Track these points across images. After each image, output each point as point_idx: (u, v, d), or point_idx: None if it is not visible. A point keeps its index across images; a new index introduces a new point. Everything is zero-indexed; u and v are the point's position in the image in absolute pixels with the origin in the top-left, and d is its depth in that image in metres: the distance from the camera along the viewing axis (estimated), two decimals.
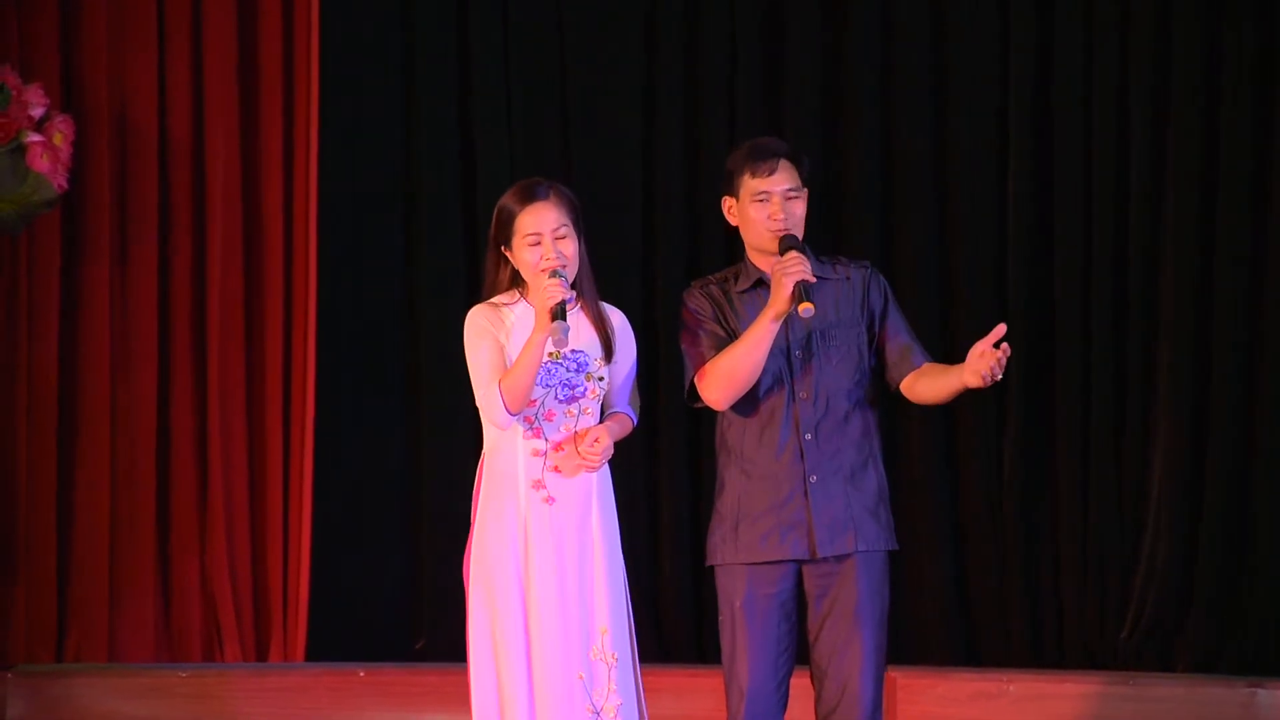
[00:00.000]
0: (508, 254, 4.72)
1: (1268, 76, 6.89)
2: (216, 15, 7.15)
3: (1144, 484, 6.97)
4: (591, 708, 4.65)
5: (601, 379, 4.73)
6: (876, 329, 4.84)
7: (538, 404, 4.66)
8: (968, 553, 7.12)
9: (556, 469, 4.68)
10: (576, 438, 4.69)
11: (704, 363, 4.77)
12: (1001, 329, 4.57)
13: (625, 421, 4.80)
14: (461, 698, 4.73)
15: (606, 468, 4.74)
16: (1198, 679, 6.70)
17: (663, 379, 6.91)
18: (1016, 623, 7.05)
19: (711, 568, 4.86)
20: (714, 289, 4.87)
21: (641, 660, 4.77)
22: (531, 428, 4.68)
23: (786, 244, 4.71)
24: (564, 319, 4.54)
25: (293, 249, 7.20)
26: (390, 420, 7.28)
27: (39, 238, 7.03)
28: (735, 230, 4.88)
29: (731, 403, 4.77)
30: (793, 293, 4.60)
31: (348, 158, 7.25)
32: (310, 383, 7.13)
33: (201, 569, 7.13)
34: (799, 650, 4.82)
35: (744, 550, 4.78)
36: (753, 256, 4.83)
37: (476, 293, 4.86)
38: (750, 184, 4.79)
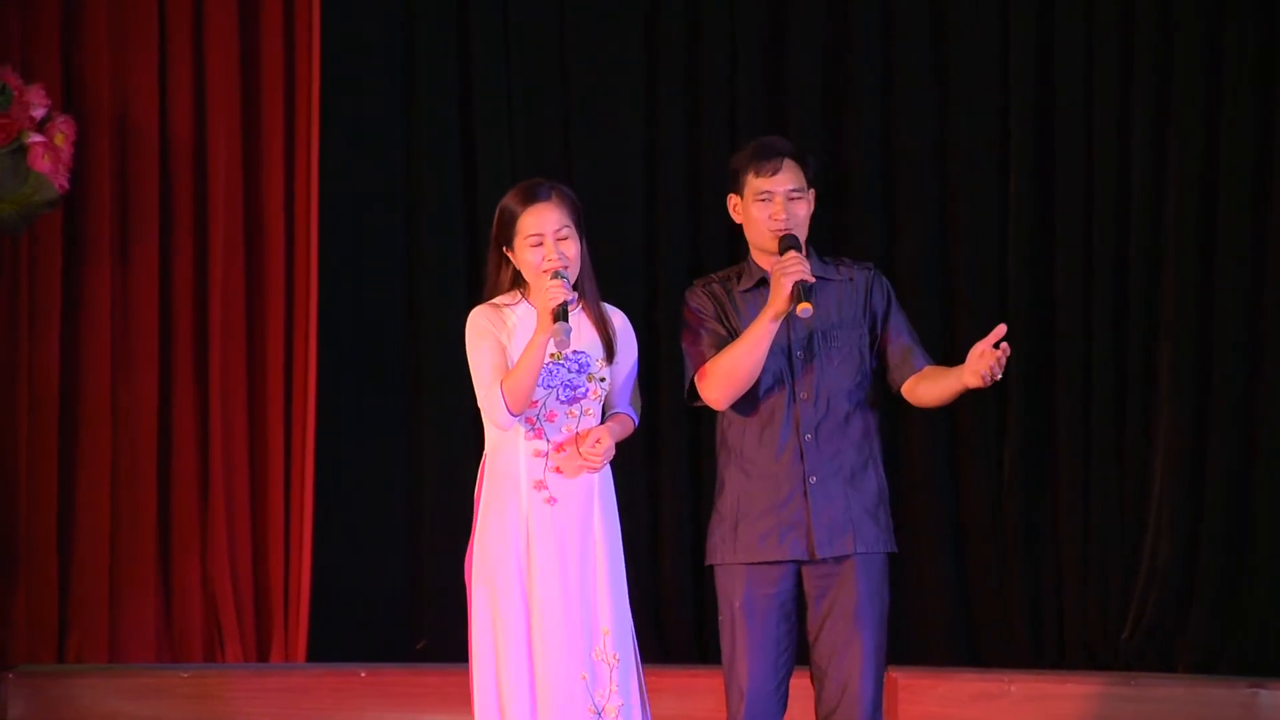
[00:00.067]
0: (509, 254, 4.72)
1: (1268, 76, 6.90)
2: (218, 16, 7.15)
3: (1145, 484, 6.98)
4: (593, 708, 4.65)
5: (603, 380, 4.73)
6: (878, 331, 4.83)
7: (539, 405, 4.66)
8: (969, 553, 7.12)
9: (558, 469, 4.68)
10: (578, 438, 4.69)
11: (704, 362, 4.77)
12: (1001, 329, 4.57)
13: (626, 422, 4.80)
14: (463, 698, 4.73)
15: (608, 468, 4.74)
16: (1199, 679, 6.70)
17: (664, 379, 6.91)
18: (1018, 623, 7.06)
19: (711, 567, 4.87)
20: (716, 288, 4.87)
21: (642, 661, 4.77)
22: (533, 428, 4.68)
23: (786, 244, 4.71)
24: (566, 320, 4.54)
25: (294, 249, 7.20)
26: (391, 420, 7.28)
27: (40, 238, 7.03)
28: (737, 230, 4.88)
29: (731, 402, 4.77)
30: (791, 292, 4.60)
31: (349, 158, 7.25)
32: (311, 383, 7.13)
33: (203, 569, 7.13)
34: (799, 650, 4.83)
35: (743, 550, 4.78)
36: (755, 256, 4.83)
37: (477, 293, 4.85)
38: (754, 183, 4.79)
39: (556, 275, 4.59)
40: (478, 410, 4.71)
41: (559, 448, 4.69)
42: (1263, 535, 6.86)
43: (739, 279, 4.87)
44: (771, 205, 4.77)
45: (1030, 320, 7.04)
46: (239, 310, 7.16)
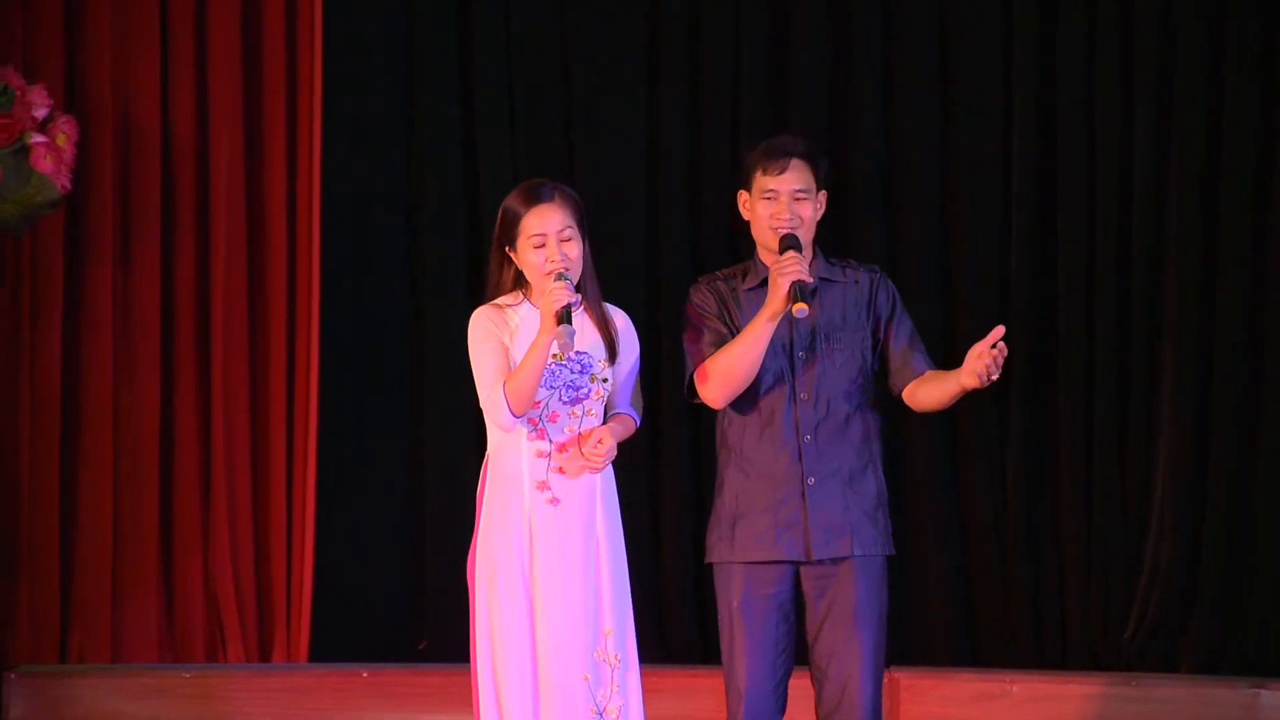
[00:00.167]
0: (511, 255, 4.72)
1: (1270, 76, 6.90)
2: (219, 15, 7.15)
3: (1147, 484, 6.98)
4: (595, 708, 4.65)
5: (605, 380, 4.73)
6: (881, 334, 4.83)
7: (542, 405, 4.67)
8: (971, 553, 7.12)
9: (561, 470, 4.68)
10: (580, 438, 4.69)
11: (703, 359, 4.77)
12: (1000, 331, 4.57)
13: (628, 422, 4.80)
14: (465, 699, 4.73)
15: (610, 468, 4.74)
16: (1201, 680, 6.70)
17: (665, 379, 6.91)
18: (1020, 623, 7.05)
19: (711, 566, 4.87)
20: (721, 285, 4.88)
21: (643, 661, 4.77)
22: (535, 429, 4.68)
23: (786, 244, 4.71)
24: (569, 323, 4.54)
25: (296, 249, 7.19)
26: (393, 420, 7.28)
27: (42, 238, 7.02)
28: (739, 230, 4.89)
29: (728, 401, 4.78)
30: (788, 293, 4.60)
31: (350, 158, 7.25)
32: (313, 383, 7.13)
33: (205, 569, 7.13)
34: (800, 651, 4.83)
35: (740, 549, 4.79)
36: (761, 254, 4.83)
37: (479, 292, 4.85)
38: (761, 180, 4.79)
39: (560, 277, 4.59)
40: (479, 410, 4.71)
41: (562, 448, 4.69)
42: (1265, 535, 6.86)
43: (744, 277, 4.87)
44: (776, 204, 4.77)
45: (1031, 320, 7.04)
46: (241, 310, 7.16)
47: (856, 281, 4.85)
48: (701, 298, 4.87)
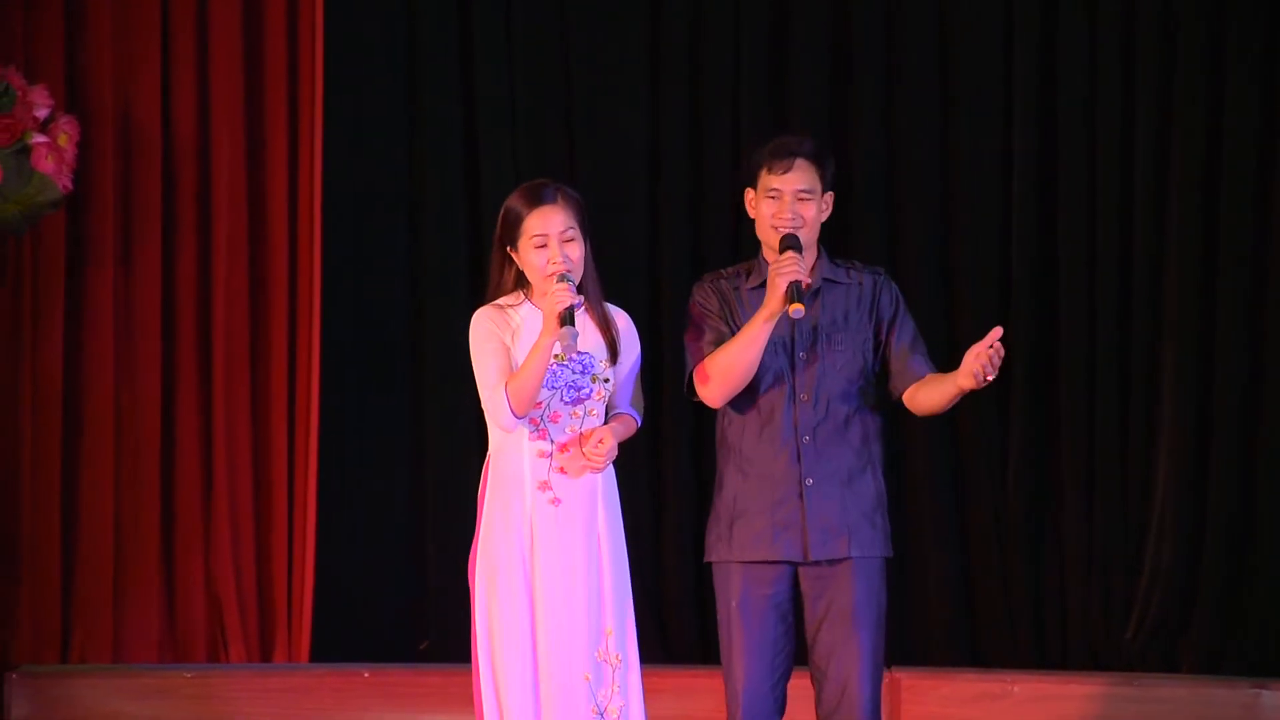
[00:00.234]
0: (513, 255, 4.72)
1: (1270, 76, 6.90)
2: (221, 15, 7.14)
3: (1148, 484, 6.98)
4: (596, 709, 4.65)
5: (607, 381, 4.74)
6: (883, 336, 4.83)
7: (544, 406, 4.67)
8: (972, 553, 7.12)
9: (562, 470, 4.68)
10: (581, 438, 4.69)
11: (703, 358, 4.77)
12: (998, 332, 4.57)
13: (629, 422, 4.80)
14: (466, 699, 4.73)
15: (611, 468, 4.74)
16: (1202, 680, 6.70)
17: (667, 379, 6.91)
18: (1021, 623, 7.05)
19: (710, 565, 4.87)
20: (724, 284, 4.88)
21: (644, 661, 4.77)
22: (537, 429, 4.68)
23: (785, 244, 4.71)
24: (572, 324, 4.53)
25: (297, 248, 7.19)
26: (394, 420, 7.29)
27: (44, 239, 7.02)
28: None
29: (726, 400, 4.78)
30: (785, 293, 4.60)
31: (352, 157, 7.25)
32: (315, 382, 7.13)
33: (206, 570, 7.13)
34: (800, 651, 4.83)
35: (738, 548, 4.79)
36: (765, 253, 4.83)
37: (480, 292, 4.85)
38: (765, 179, 4.78)
39: (562, 279, 4.59)
40: (480, 410, 4.71)
41: (563, 448, 4.69)
42: (1265, 535, 6.86)
43: (747, 276, 4.87)
44: (779, 203, 4.76)
45: (1033, 320, 7.04)
46: (242, 310, 7.16)
47: (860, 283, 4.85)
48: (704, 296, 4.87)
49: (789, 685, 4.83)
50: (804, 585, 4.79)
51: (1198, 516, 6.91)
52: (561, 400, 4.68)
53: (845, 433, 4.79)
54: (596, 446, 4.67)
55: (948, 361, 4.86)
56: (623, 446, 4.75)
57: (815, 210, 4.78)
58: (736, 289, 4.86)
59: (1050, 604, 7.06)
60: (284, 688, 6.80)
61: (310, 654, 7.10)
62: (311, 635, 7.09)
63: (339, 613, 7.14)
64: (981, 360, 4.55)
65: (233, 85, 7.15)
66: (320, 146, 7.15)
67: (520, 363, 4.64)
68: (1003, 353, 4.57)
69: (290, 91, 7.18)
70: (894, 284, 4.89)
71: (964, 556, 7.12)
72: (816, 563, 4.75)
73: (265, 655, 7.14)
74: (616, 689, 4.68)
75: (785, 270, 4.61)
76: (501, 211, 4.73)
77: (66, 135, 6.60)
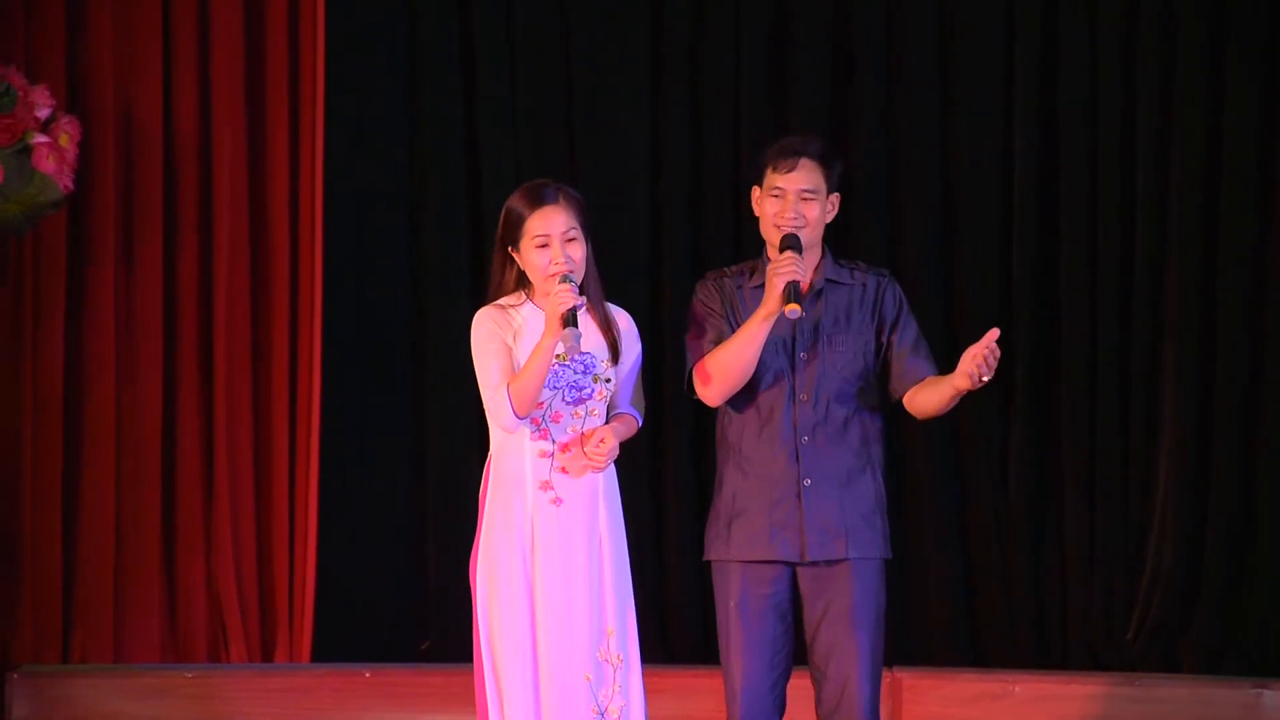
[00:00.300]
0: (515, 255, 4.72)
1: (1271, 76, 6.90)
2: (222, 15, 7.14)
3: (1149, 484, 6.98)
4: (596, 709, 4.65)
5: (608, 381, 4.74)
6: (885, 338, 4.83)
7: (545, 406, 4.67)
8: (973, 553, 7.12)
9: (564, 470, 4.68)
10: (583, 438, 4.69)
11: (704, 356, 4.77)
12: (995, 333, 4.57)
13: (630, 422, 4.81)
14: (467, 699, 4.73)
15: (612, 468, 4.74)
16: (1203, 680, 6.70)
17: (668, 379, 6.90)
18: (1021, 624, 7.05)
19: (709, 564, 4.88)
20: (728, 282, 4.88)
21: (646, 661, 4.77)
22: (538, 429, 4.68)
23: (785, 244, 4.71)
24: (575, 325, 4.54)
25: (298, 248, 7.19)
26: (396, 419, 7.29)
27: (45, 239, 7.02)
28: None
29: (723, 399, 4.78)
30: (782, 293, 4.60)
31: (353, 156, 7.25)
32: (316, 382, 7.13)
33: (207, 569, 7.13)
34: (800, 651, 4.83)
35: (736, 547, 4.79)
36: (768, 251, 4.83)
37: (481, 292, 4.85)
38: (770, 178, 4.78)
39: (564, 279, 4.59)
40: (481, 410, 4.71)
41: (564, 448, 4.69)
42: (1266, 535, 6.86)
43: (751, 275, 4.86)
44: (782, 202, 4.76)
45: (1033, 320, 7.04)
46: (243, 309, 7.16)
47: (863, 284, 4.84)
48: (706, 294, 4.87)
49: (789, 685, 4.83)
50: (802, 585, 4.79)
51: (1198, 516, 6.91)
52: (563, 400, 4.68)
53: (844, 434, 4.78)
54: (598, 446, 4.67)
55: (948, 362, 4.86)
56: (624, 446, 4.75)
57: (819, 210, 4.78)
58: (740, 287, 4.85)
59: (1051, 604, 7.06)
60: (285, 688, 6.80)
61: (311, 654, 7.10)
62: (313, 635, 7.09)
63: (340, 612, 7.14)
64: (977, 361, 4.55)
65: (234, 85, 7.15)
66: (321, 146, 7.15)
67: (522, 363, 4.64)
68: (999, 354, 4.57)
69: (291, 91, 7.18)
70: (898, 286, 4.88)
71: (965, 556, 7.12)
72: (814, 563, 4.75)
73: (266, 655, 7.14)
74: (617, 689, 4.68)
75: (783, 270, 4.62)
76: (503, 212, 4.73)
77: (68, 135, 6.60)
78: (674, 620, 7.19)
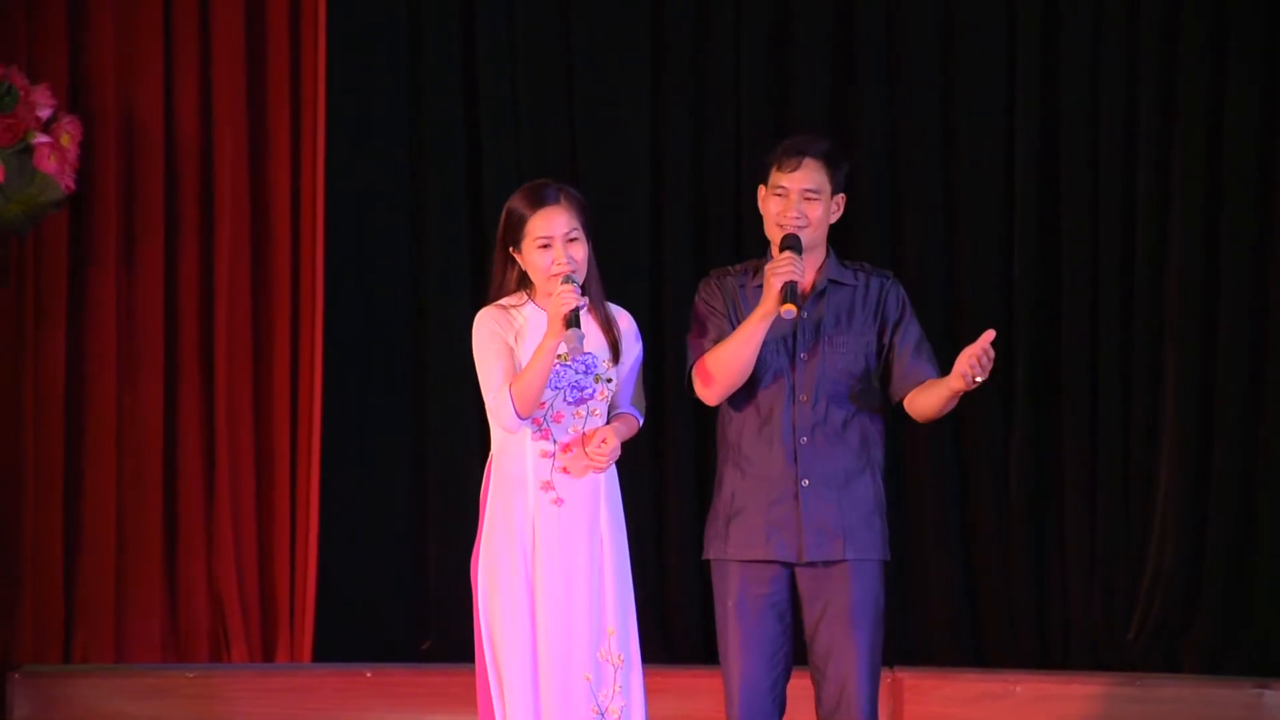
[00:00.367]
0: (516, 255, 4.72)
1: (1271, 76, 6.90)
2: (223, 15, 7.15)
3: (1150, 485, 6.98)
4: (597, 709, 4.65)
5: (610, 381, 4.74)
6: (887, 339, 4.82)
7: (546, 406, 4.67)
8: (974, 553, 7.12)
9: (565, 470, 4.68)
10: (584, 438, 4.69)
11: (704, 354, 4.78)
12: (990, 335, 4.57)
13: (631, 422, 4.81)
14: (468, 699, 4.74)
15: (614, 468, 4.74)
16: (1204, 680, 6.70)
17: (669, 380, 6.90)
18: (1023, 623, 7.05)
19: (708, 563, 4.88)
20: (730, 281, 4.87)
21: (646, 661, 4.77)
22: (540, 429, 4.68)
23: (785, 244, 4.71)
24: (578, 326, 4.54)
25: (300, 248, 7.20)
26: (396, 419, 7.29)
27: (46, 239, 7.03)
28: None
29: (722, 398, 4.78)
30: (780, 293, 4.60)
31: (354, 156, 7.25)
32: (317, 382, 7.14)
33: (208, 570, 7.13)
34: (800, 651, 4.83)
35: (734, 547, 4.79)
36: (772, 251, 4.82)
37: (482, 292, 4.85)
38: (775, 177, 4.78)
39: (566, 280, 4.59)
40: (482, 410, 4.71)
41: (566, 448, 4.69)
42: (1267, 535, 6.87)
43: (754, 274, 4.86)
44: (785, 201, 4.76)
45: (1035, 321, 7.03)
46: (244, 309, 7.16)
47: (866, 285, 4.84)
48: (709, 293, 4.87)
49: (790, 685, 4.83)
50: (800, 586, 4.79)
51: (1199, 517, 6.91)
52: (564, 400, 4.68)
53: (843, 435, 4.78)
54: (599, 446, 4.67)
55: (949, 364, 4.85)
56: (625, 446, 4.75)
57: (822, 210, 4.77)
58: (742, 287, 4.85)
59: (1052, 604, 7.06)
60: (286, 688, 6.80)
61: (312, 654, 7.10)
62: (314, 635, 7.09)
63: (341, 613, 7.14)
64: (971, 361, 4.55)
65: (235, 85, 7.15)
66: (323, 146, 7.15)
67: (524, 364, 4.64)
68: (993, 355, 4.57)
69: (293, 91, 7.18)
70: (901, 288, 4.87)
71: (966, 556, 7.12)
72: (812, 564, 4.75)
73: (267, 655, 7.14)
74: (618, 689, 4.68)
75: (781, 270, 4.62)
76: (504, 212, 4.73)
77: (69, 135, 6.60)
78: (674, 620, 7.19)
